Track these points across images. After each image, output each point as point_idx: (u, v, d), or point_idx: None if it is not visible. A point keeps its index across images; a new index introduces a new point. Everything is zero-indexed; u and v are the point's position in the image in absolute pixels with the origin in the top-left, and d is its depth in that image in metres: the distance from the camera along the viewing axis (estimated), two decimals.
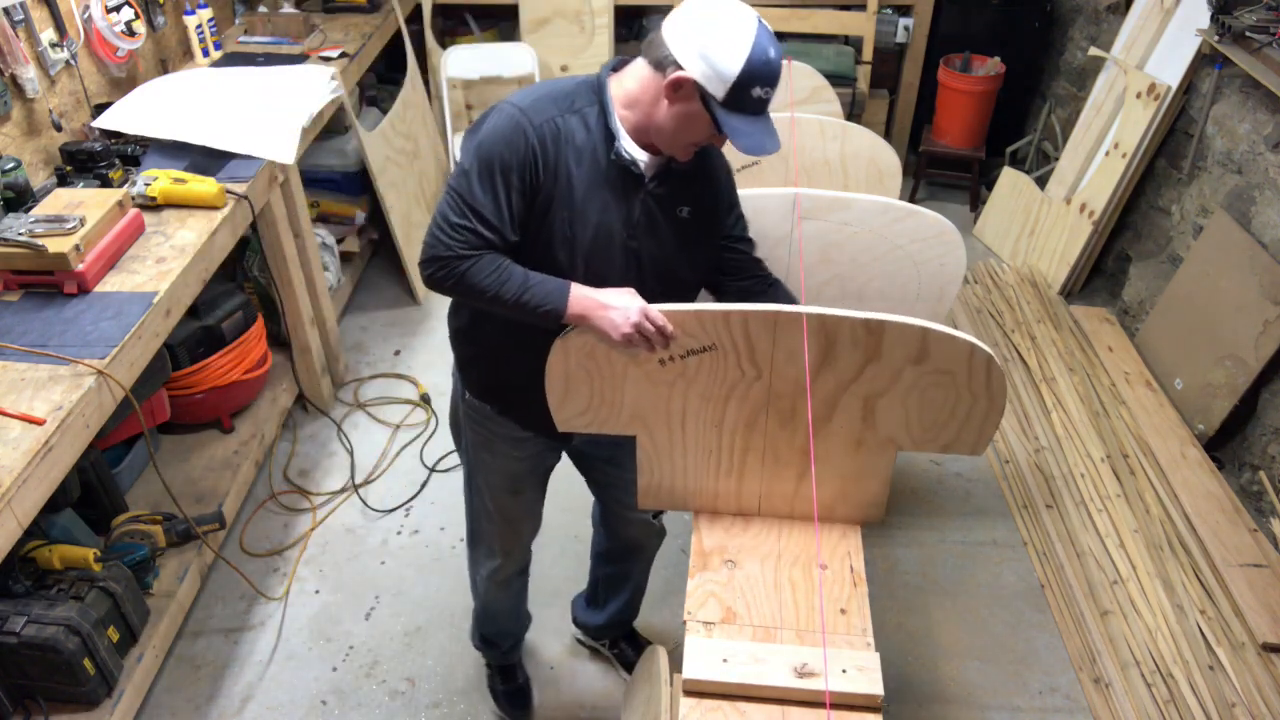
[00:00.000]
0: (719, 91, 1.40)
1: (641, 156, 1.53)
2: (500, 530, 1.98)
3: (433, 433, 3.11)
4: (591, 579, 2.35)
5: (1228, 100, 3.07)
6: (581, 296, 1.49)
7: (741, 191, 1.96)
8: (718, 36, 1.39)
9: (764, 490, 1.99)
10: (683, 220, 1.61)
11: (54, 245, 1.99)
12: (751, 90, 1.40)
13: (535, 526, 2.04)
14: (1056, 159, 3.92)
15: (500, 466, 1.87)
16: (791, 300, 1.77)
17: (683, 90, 1.42)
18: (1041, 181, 3.94)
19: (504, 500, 1.92)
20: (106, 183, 2.38)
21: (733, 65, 1.38)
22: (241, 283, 3.08)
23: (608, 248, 1.55)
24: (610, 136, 1.50)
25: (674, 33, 1.43)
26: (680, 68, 1.41)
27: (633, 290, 1.51)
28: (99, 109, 2.65)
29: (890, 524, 2.79)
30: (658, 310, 1.51)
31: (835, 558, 1.98)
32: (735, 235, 1.75)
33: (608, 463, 1.95)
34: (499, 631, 2.25)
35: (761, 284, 1.76)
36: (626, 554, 2.20)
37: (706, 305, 1.68)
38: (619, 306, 1.48)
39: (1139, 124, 3.36)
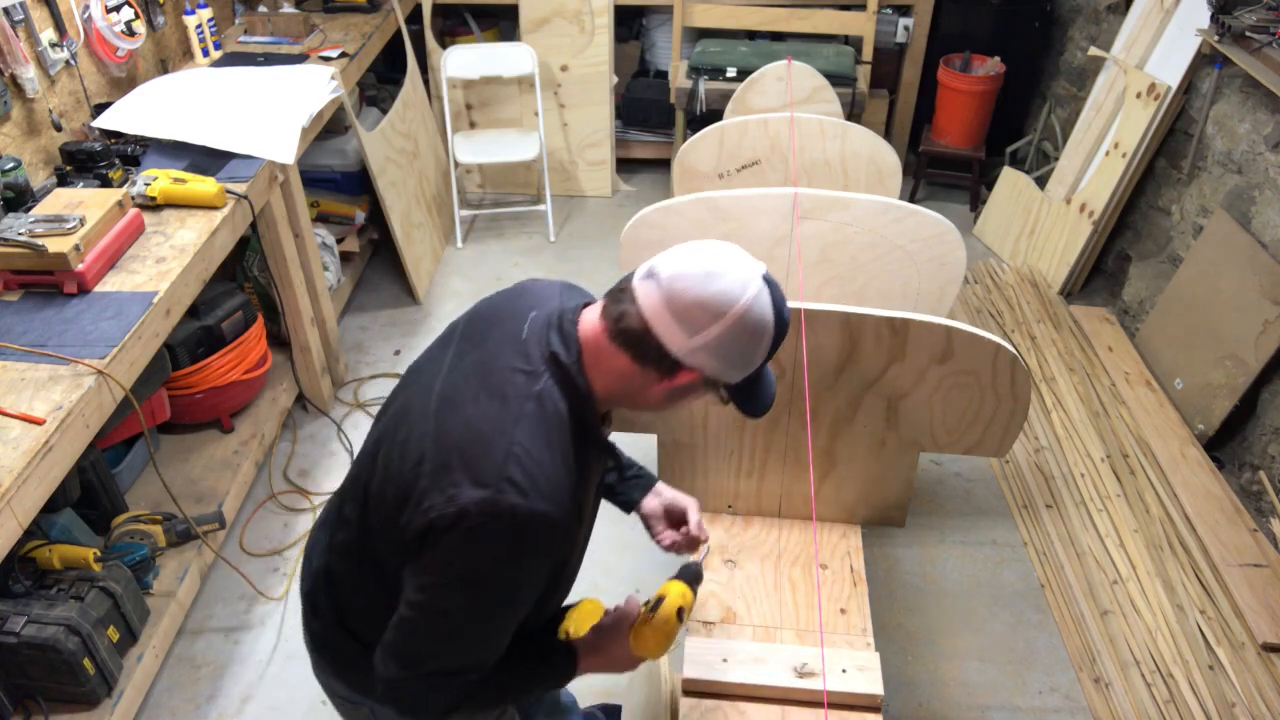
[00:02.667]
0: (735, 378, 1.18)
1: None
2: None
3: None
4: None
5: (1228, 100, 3.06)
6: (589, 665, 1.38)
7: (741, 191, 1.96)
8: (734, 327, 1.11)
9: (784, 491, 1.99)
10: None
11: (54, 245, 1.99)
12: (768, 362, 1.21)
13: None
14: (1056, 159, 3.91)
15: None
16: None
17: (689, 385, 1.17)
18: (1041, 181, 3.94)
19: None
20: (106, 183, 2.38)
21: (756, 357, 1.16)
22: (241, 283, 3.08)
23: None
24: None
25: (666, 324, 1.11)
26: (683, 367, 1.14)
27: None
28: (99, 109, 2.65)
29: None
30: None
31: (835, 558, 1.98)
32: None
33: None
34: None
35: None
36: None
37: None
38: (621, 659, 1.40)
39: (1139, 124, 3.36)
